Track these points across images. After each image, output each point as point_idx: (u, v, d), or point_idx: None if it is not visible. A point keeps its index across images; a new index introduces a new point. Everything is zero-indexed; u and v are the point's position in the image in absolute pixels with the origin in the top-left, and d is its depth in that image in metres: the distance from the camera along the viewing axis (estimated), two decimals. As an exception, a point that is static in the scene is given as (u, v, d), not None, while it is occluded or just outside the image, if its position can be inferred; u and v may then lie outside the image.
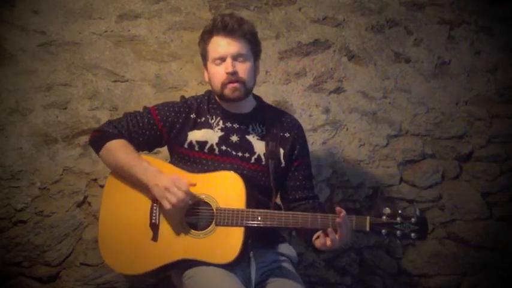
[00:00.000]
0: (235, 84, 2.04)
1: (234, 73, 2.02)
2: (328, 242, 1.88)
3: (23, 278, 2.67)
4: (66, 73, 2.74)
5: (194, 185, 1.96)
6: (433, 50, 2.95)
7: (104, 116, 2.72)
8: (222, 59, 2.04)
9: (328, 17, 2.90)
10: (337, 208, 1.86)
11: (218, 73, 2.05)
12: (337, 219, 1.85)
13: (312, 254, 2.81)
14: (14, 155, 2.67)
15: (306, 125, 2.79)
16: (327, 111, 2.87)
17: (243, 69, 2.05)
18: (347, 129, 2.88)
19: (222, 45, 2.04)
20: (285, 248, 2.16)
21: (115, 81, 2.77)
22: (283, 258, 2.11)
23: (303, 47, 2.87)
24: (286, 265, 2.09)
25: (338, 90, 2.89)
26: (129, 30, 2.78)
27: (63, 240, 2.69)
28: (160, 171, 1.99)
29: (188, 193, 1.92)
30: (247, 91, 2.09)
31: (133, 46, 2.78)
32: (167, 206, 1.92)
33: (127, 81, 2.78)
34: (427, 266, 2.89)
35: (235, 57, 2.04)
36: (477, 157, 2.96)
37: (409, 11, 2.95)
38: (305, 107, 2.86)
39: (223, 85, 2.05)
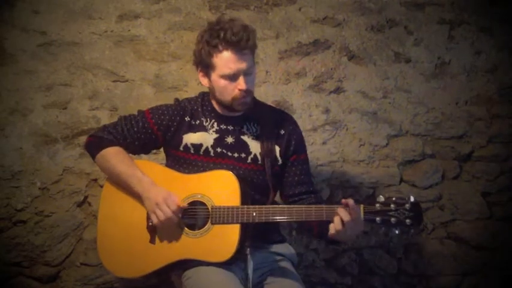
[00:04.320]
0: (247, 99, 2.04)
1: (248, 90, 2.02)
2: (332, 231, 1.85)
3: (23, 278, 2.68)
4: (66, 73, 2.74)
5: (185, 207, 1.98)
6: (433, 50, 2.94)
7: (104, 116, 2.73)
8: (234, 76, 2.00)
9: (328, 17, 2.90)
10: (343, 200, 1.83)
11: (229, 88, 2.02)
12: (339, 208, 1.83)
13: (311, 253, 2.81)
14: (14, 155, 2.67)
15: (306, 125, 2.80)
16: (327, 111, 2.87)
17: (251, 81, 2.04)
18: (347, 129, 2.88)
19: (234, 62, 1.98)
20: (285, 248, 2.16)
21: (115, 81, 2.77)
22: (282, 258, 2.11)
23: (303, 47, 2.87)
24: (286, 265, 2.09)
25: (338, 90, 2.89)
26: (129, 30, 2.78)
27: (63, 240, 2.69)
28: (154, 182, 2.00)
29: (176, 212, 1.94)
30: (252, 100, 2.10)
31: (133, 46, 2.78)
32: (155, 220, 1.96)
33: (127, 81, 2.78)
34: (427, 266, 2.89)
35: (245, 73, 2.01)
36: (477, 157, 2.95)
37: (409, 11, 2.94)
38: (305, 107, 2.86)
39: (235, 100, 2.03)
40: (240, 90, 2.01)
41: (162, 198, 1.94)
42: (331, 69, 2.89)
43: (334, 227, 1.84)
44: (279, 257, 2.11)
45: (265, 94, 2.78)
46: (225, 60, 1.98)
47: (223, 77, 2.01)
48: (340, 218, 1.82)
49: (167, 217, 1.93)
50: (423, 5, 2.95)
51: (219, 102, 2.11)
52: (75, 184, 2.71)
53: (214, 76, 2.04)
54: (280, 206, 1.98)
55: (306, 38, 2.87)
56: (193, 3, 2.82)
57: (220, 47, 1.98)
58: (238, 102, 2.03)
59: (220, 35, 1.97)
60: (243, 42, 1.96)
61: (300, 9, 2.88)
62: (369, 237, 2.86)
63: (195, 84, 2.78)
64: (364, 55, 2.90)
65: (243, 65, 1.99)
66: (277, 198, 2.20)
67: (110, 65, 2.77)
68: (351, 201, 1.81)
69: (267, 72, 2.84)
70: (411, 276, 2.89)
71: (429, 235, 2.91)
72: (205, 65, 2.06)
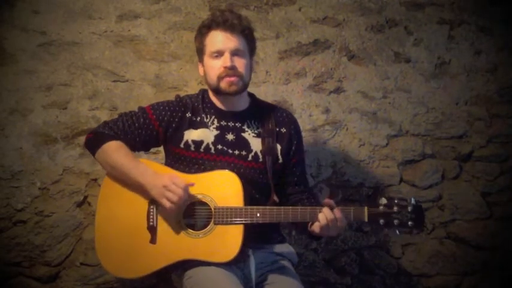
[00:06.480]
0: (233, 78, 2.04)
1: (232, 67, 2.03)
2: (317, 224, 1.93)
3: (23, 278, 2.67)
4: (66, 73, 2.74)
5: (192, 184, 1.96)
6: (433, 50, 2.95)
7: (104, 116, 2.72)
8: (220, 53, 2.05)
9: (328, 17, 2.90)
10: (326, 200, 1.94)
11: (215, 66, 2.05)
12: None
13: (312, 253, 2.81)
14: (14, 155, 2.67)
15: (306, 125, 2.80)
16: (327, 111, 2.87)
17: (240, 64, 2.05)
18: (347, 129, 2.88)
19: (221, 40, 2.04)
20: (285, 248, 2.16)
21: (115, 81, 2.77)
22: (282, 258, 2.12)
23: (303, 47, 2.87)
24: (286, 265, 2.09)
25: (338, 90, 2.89)
26: (129, 30, 2.78)
27: (63, 240, 2.69)
28: (157, 172, 1.99)
29: (186, 190, 1.93)
30: (244, 86, 2.09)
31: (133, 46, 2.78)
32: (167, 204, 1.93)
33: (127, 81, 2.78)
34: (427, 266, 2.89)
35: (233, 53, 2.04)
36: (477, 157, 2.96)
37: (409, 11, 2.95)
38: (305, 107, 2.86)
39: (220, 78, 2.05)
40: (225, 67, 2.02)
41: (169, 179, 1.93)
42: (331, 69, 2.89)
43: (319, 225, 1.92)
44: (279, 257, 2.11)
45: (265, 94, 2.78)
46: (213, 38, 2.07)
47: (211, 56, 2.06)
48: (324, 215, 1.90)
49: (179, 196, 1.91)
50: (423, 5, 2.95)
51: (211, 88, 2.12)
52: (75, 184, 2.70)
53: (205, 59, 2.10)
54: (283, 207, 1.98)
55: (306, 38, 2.88)
56: (193, 3, 2.82)
57: (209, 27, 2.07)
58: (223, 81, 2.04)
59: (210, 18, 2.09)
60: (229, 22, 2.04)
61: (300, 9, 2.89)
62: (369, 237, 2.86)
63: (195, 84, 2.78)
64: (364, 55, 2.91)
65: (229, 44, 2.04)
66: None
67: (110, 65, 2.76)
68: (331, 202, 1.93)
69: (267, 72, 2.84)
70: (411, 276, 2.89)
71: (429, 235, 2.91)
72: (200, 51, 2.13)
